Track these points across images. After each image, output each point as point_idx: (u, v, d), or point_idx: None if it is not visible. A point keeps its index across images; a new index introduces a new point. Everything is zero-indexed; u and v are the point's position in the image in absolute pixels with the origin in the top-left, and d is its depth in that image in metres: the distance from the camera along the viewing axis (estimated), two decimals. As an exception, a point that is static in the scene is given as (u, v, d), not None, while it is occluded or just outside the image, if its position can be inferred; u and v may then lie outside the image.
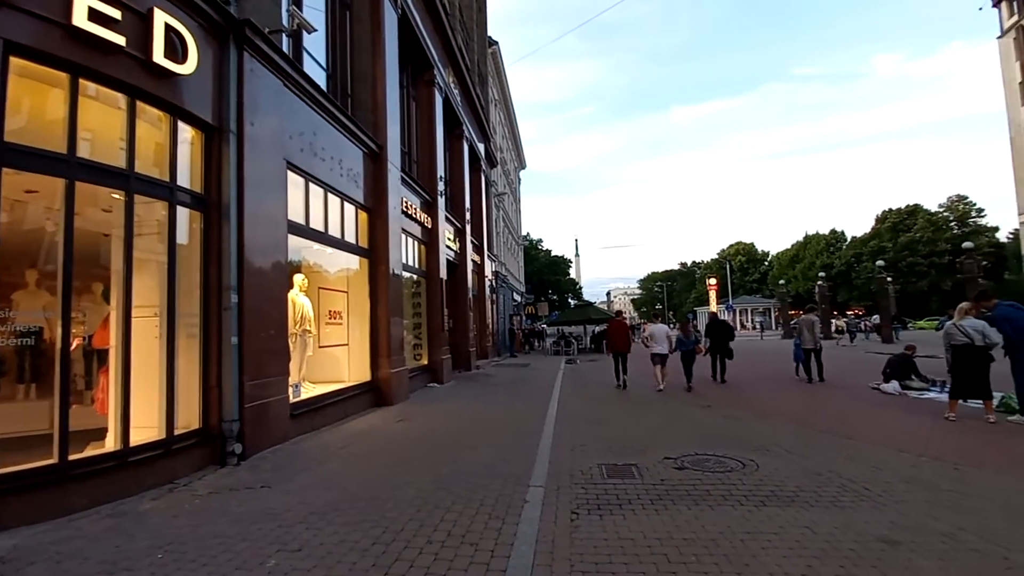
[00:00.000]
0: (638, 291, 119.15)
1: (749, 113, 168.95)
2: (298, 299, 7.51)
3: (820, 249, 63.89)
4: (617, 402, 9.54)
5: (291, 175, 6.67)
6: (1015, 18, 36.06)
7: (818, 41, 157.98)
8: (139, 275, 4.72)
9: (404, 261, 11.12)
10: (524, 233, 51.25)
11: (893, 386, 9.10)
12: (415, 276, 12.62)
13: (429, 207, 13.06)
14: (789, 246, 71.27)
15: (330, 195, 7.89)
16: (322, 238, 7.75)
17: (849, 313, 46.35)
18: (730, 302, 56.18)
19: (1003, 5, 37.30)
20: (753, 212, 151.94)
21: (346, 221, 8.48)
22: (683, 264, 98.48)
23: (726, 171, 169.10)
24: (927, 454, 5.20)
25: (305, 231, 7.19)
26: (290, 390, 6.63)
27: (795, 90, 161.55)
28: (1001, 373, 6.72)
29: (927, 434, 6.12)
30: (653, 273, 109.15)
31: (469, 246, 17.53)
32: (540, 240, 63.70)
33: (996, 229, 56.14)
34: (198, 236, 5.40)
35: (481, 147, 21.51)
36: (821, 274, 42.67)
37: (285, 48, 6.87)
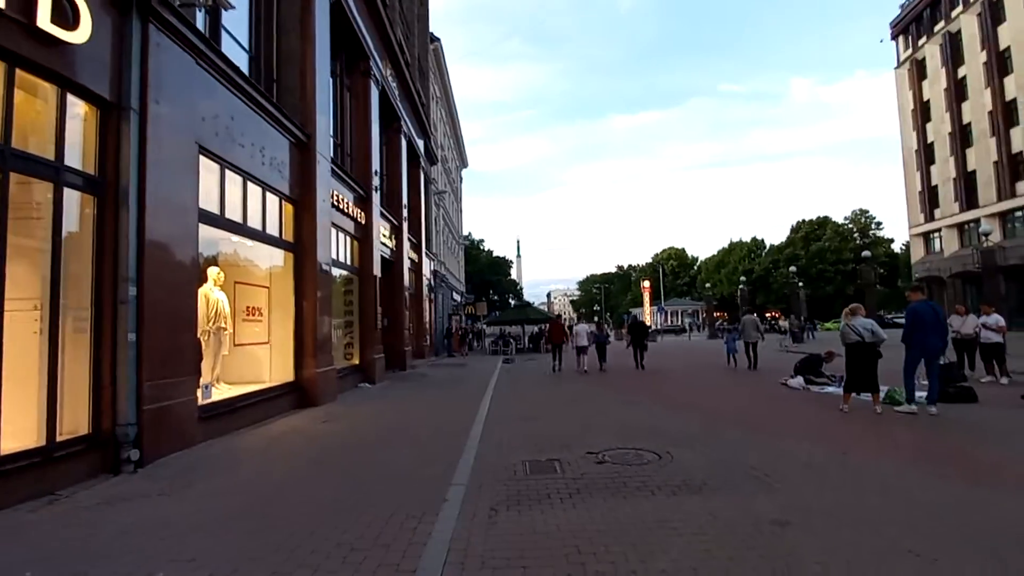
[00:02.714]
0: (577, 292, 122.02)
1: (680, 125, 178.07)
2: (212, 294, 7.03)
3: (743, 255, 68.24)
4: (548, 400, 9.69)
5: (204, 160, 6.22)
6: (909, 51, 40.29)
7: (742, 62, 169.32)
8: (15, 263, 4.21)
9: (335, 257, 10.73)
10: (466, 233, 51.00)
11: (798, 381, 9.86)
12: (347, 273, 12.21)
13: (363, 202, 12.68)
14: (716, 252, 75.67)
15: (250, 184, 7.45)
16: (240, 229, 7.30)
17: (767, 316, 49.85)
18: (662, 304, 58.80)
19: (900, 39, 41.59)
20: (685, 218, 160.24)
21: (269, 212, 8.03)
22: (620, 267, 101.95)
23: (660, 178, 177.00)
24: (821, 442, 5.65)
25: (220, 221, 6.74)
26: (200, 391, 6.18)
27: (721, 106, 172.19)
28: (890, 370, 7.45)
29: (823, 424, 6.66)
30: (591, 275, 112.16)
31: (406, 244, 17.20)
32: (482, 240, 63.70)
33: (891, 241, 62.58)
34: (91, 222, 4.91)
35: (421, 143, 21.17)
36: (743, 278, 45.65)
37: (200, 24, 6.42)
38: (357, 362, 12.35)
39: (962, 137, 35.02)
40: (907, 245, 48.68)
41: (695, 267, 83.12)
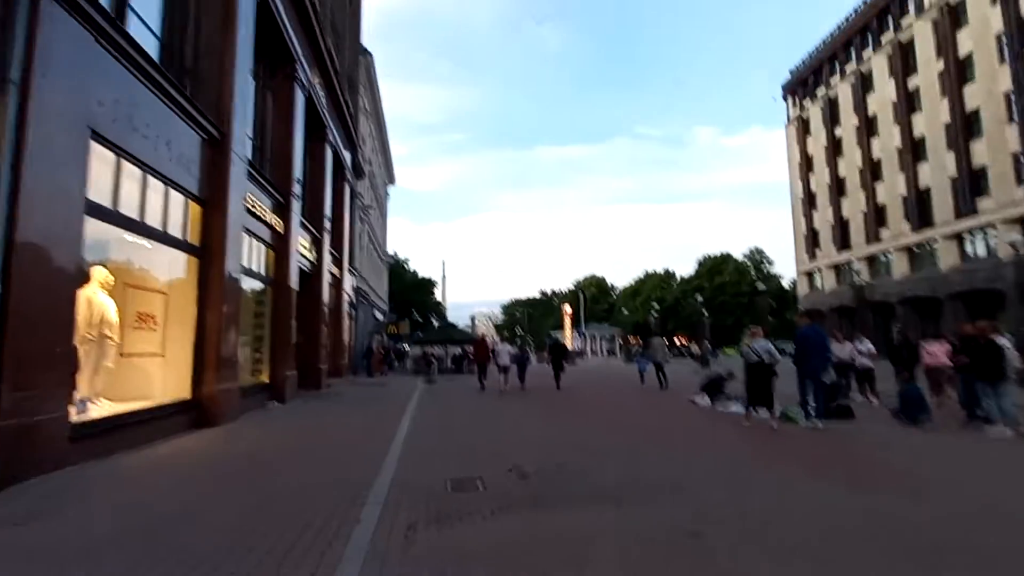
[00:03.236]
0: (501, 315, 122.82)
1: (602, 161, 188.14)
2: (96, 297, 6.24)
3: (655, 285, 72.54)
4: (469, 418, 9.57)
5: (97, 147, 5.59)
6: (797, 111, 45.81)
7: (657, 106, 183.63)
8: None
9: (247, 265, 10.01)
10: (391, 251, 49.85)
11: (705, 399, 10.54)
12: (260, 283, 11.41)
13: (282, 210, 12.00)
14: (632, 281, 79.84)
15: (152, 179, 6.78)
16: (136, 227, 6.59)
17: (678, 342, 53.09)
18: (582, 328, 60.71)
19: (790, 100, 47.22)
20: (605, 248, 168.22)
21: (172, 212, 7.35)
22: (543, 292, 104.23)
23: (583, 209, 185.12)
24: (727, 455, 6.04)
25: (112, 216, 6.05)
26: (74, 407, 5.41)
27: (638, 146, 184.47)
28: (784, 391, 8.16)
29: (727, 439, 7.12)
30: (516, 299, 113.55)
31: (327, 257, 16.46)
32: (407, 260, 62.48)
33: (781, 277, 69.53)
34: (-53, 206, 4.21)
35: (347, 155, 20.58)
36: (655, 306, 48.45)
37: (104, 1, 5.85)
38: (266, 379, 11.48)
39: (838, 188, 40.14)
40: (795, 282, 54.35)
41: (613, 295, 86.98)
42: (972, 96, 28.43)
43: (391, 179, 46.87)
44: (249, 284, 10.63)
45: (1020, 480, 5.08)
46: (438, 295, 65.34)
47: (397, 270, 53.53)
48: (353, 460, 5.87)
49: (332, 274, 17.79)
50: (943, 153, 30.17)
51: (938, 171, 30.55)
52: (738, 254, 70.76)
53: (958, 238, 29.35)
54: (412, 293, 56.16)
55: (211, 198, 8.18)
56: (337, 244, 18.62)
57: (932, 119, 31.11)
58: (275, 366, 11.75)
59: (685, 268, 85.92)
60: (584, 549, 3.23)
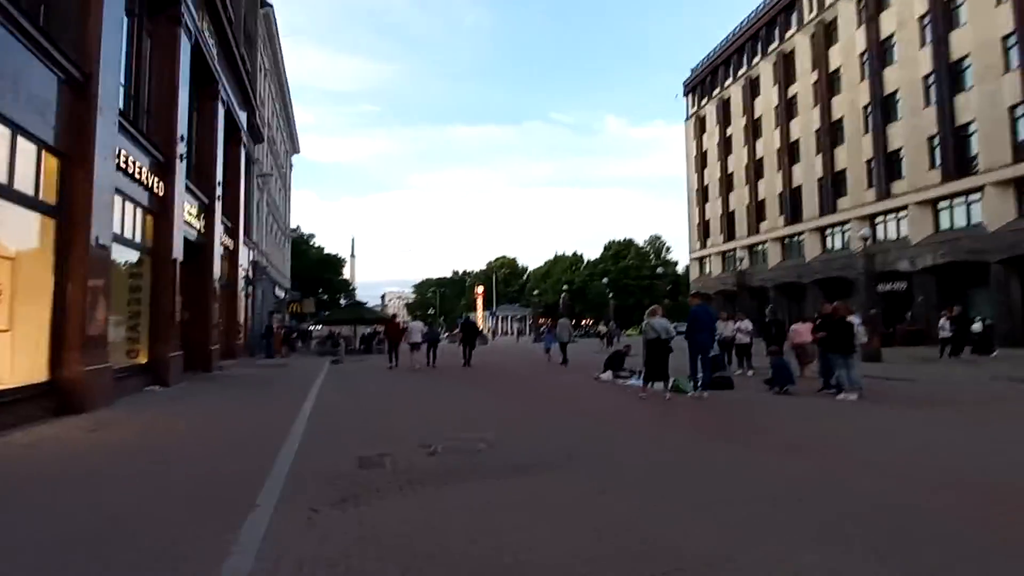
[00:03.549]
0: (413, 295, 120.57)
1: (516, 144, 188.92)
2: (-85, 262, 5.15)
3: (565, 268, 75.24)
4: (378, 397, 9.38)
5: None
6: (695, 109, 49.18)
7: (569, 94, 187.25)
8: None
9: (118, 231, 8.85)
10: (295, 226, 46.56)
11: (607, 375, 11.20)
12: (137, 252, 10.14)
13: (163, 171, 10.69)
14: (543, 263, 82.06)
15: (-8, 123, 5.69)
16: (-30, 180, 5.52)
17: (583, 323, 55.82)
18: (494, 309, 61.55)
19: (689, 97, 50.53)
20: (518, 230, 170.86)
21: (20, 163, 6.23)
22: (456, 272, 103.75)
23: (496, 191, 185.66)
24: (627, 424, 6.49)
25: (-64, 164, 5.00)
26: None
27: (552, 131, 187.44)
28: (677, 364, 8.90)
29: (626, 410, 7.65)
30: (428, 279, 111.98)
31: (219, 227, 15.01)
32: (312, 235, 58.76)
33: (677, 263, 75.27)
34: None
35: (243, 116, 18.75)
36: (565, 287, 50.32)
37: None
38: (144, 360, 10.31)
39: (727, 183, 43.96)
40: (688, 267, 59.06)
41: (525, 276, 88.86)
42: (838, 106, 32.31)
43: (295, 148, 43.57)
44: (123, 253, 9.42)
45: (862, 431, 6.00)
46: (347, 273, 62.50)
47: (302, 246, 50.26)
48: (248, 443, 5.49)
49: (225, 246, 16.30)
50: (813, 156, 34.13)
51: (808, 172, 34.53)
52: (640, 240, 75.45)
53: (821, 232, 33.56)
54: (318, 270, 53.08)
55: (72, 151, 7.05)
56: (231, 213, 17.03)
57: (806, 125, 34.96)
58: (156, 346, 10.59)
59: (593, 252, 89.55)
60: (494, 519, 3.29)
